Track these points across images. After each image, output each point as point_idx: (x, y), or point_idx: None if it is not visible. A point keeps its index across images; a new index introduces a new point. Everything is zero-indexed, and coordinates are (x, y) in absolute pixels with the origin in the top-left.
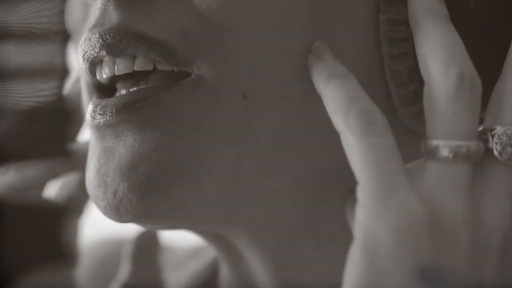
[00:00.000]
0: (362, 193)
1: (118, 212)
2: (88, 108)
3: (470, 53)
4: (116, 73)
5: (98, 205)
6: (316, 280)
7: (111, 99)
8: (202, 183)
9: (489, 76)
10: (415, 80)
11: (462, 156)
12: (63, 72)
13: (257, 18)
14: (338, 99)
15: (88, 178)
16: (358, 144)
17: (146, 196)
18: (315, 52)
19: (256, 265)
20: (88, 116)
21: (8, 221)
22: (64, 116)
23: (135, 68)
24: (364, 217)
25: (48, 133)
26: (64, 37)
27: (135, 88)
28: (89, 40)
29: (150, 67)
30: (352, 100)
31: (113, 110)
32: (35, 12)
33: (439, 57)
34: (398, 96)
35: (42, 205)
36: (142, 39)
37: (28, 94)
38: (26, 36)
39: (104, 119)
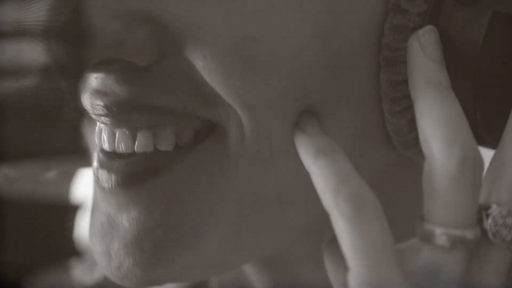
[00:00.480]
0: (354, 281)
1: (121, 282)
2: (93, 163)
3: (473, 113)
4: (116, 150)
5: (102, 269)
6: None
7: (115, 167)
8: (204, 247)
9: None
10: (415, 128)
11: (458, 245)
12: (76, 70)
13: (262, 91)
14: (327, 179)
15: (92, 238)
16: (348, 231)
17: (151, 269)
18: (302, 126)
19: (256, 276)
20: (92, 172)
21: (15, 220)
22: (76, 114)
23: (135, 149)
24: None
25: (58, 131)
26: (77, 35)
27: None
28: (92, 106)
29: (151, 148)
30: (342, 180)
31: (119, 180)
32: (47, 9)
33: (441, 135)
34: (399, 143)
35: (48, 203)
36: (154, 109)
37: (39, 92)
38: (37, 34)
39: (109, 186)
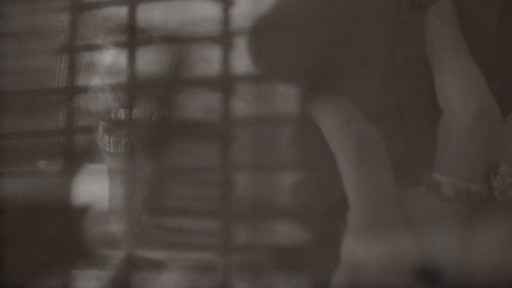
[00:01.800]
0: (353, 220)
1: (137, 239)
2: (101, 137)
3: (490, 75)
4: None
5: (123, 226)
6: None
7: (122, 133)
8: None
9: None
10: (431, 110)
11: (463, 197)
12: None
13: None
14: (334, 120)
15: (112, 196)
16: (352, 170)
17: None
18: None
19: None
20: (100, 145)
21: (25, 222)
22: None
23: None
24: (351, 243)
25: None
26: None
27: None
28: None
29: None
30: (349, 121)
31: (126, 143)
32: (55, 10)
33: (459, 89)
34: (414, 126)
35: (59, 205)
36: None
37: (44, 90)
38: (46, 34)
39: (117, 150)
